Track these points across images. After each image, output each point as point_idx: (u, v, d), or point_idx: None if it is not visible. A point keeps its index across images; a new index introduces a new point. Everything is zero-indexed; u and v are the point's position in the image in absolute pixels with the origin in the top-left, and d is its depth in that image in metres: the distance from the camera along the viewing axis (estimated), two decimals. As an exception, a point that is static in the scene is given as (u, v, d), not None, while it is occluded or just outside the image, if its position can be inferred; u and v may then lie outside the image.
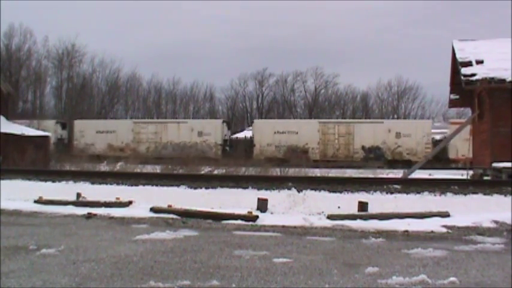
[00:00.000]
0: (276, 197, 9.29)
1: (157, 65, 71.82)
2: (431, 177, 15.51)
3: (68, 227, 6.91)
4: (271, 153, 32.14)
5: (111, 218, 7.91)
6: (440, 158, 32.52)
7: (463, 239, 6.32)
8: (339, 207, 8.72)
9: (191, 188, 10.80)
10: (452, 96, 19.71)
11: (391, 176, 17.65)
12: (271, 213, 8.48)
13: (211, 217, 7.81)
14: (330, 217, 7.82)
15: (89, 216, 8.02)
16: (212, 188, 10.66)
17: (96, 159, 25.03)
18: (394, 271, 4.29)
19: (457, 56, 16.95)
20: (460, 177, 15.67)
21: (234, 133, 40.69)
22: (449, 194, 9.74)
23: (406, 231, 6.74)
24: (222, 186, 10.72)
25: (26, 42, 56.38)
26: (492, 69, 15.58)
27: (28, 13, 66.75)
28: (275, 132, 34.31)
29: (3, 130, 21.98)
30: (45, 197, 9.56)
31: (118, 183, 11.56)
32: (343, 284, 3.90)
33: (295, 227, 7.04)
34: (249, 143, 35.23)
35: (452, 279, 4.00)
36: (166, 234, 6.23)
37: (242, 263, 4.61)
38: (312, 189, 10.03)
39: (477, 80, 15.40)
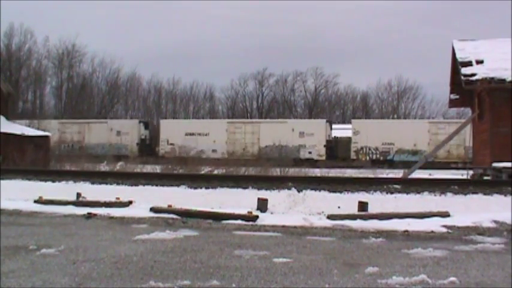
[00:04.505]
0: (276, 197, 9.29)
1: (157, 65, 71.96)
2: (431, 177, 15.52)
3: (68, 227, 6.90)
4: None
5: (111, 218, 7.91)
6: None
7: (463, 239, 6.31)
8: (339, 207, 8.72)
9: (191, 188, 10.82)
10: (452, 96, 19.71)
11: (391, 176, 17.66)
12: (271, 213, 8.47)
13: (211, 217, 7.80)
14: (330, 217, 7.81)
15: (89, 216, 8.02)
16: (212, 188, 10.67)
17: None
18: (394, 271, 4.28)
19: (457, 56, 16.95)
20: (460, 177, 15.68)
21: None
22: (449, 194, 9.75)
23: (406, 231, 6.74)
24: (222, 186, 10.73)
25: (26, 42, 56.52)
26: (492, 69, 15.58)
27: (28, 13, 66.96)
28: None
29: (3, 130, 21.98)
30: (45, 197, 9.54)
31: (118, 183, 11.58)
32: (343, 284, 3.89)
33: (295, 227, 7.03)
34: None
35: (452, 279, 4.00)
36: (166, 234, 6.22)
37: (242, 263, 4.60)
38: (312, 189, 10.04)
39: (477, 80, 15.40)
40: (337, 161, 32.41)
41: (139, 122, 39.24)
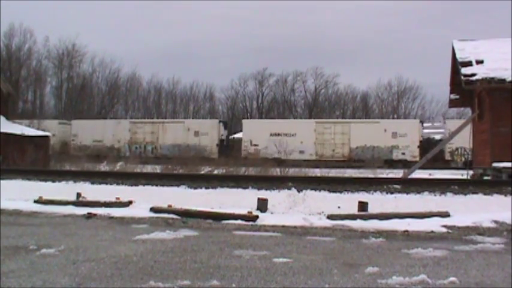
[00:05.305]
0: (276, 197, 9.29)
1: (157, 65, 71.83)
2: (431, 177, 15.52)
3: (68, 227, 6.91)
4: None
5: (111, 218, 7.91)
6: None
7: (463, 239, 6.32)
8: (339, 207, 8.72)
9: (191, 188, 10.82)
10: (452, 96, 19.71)
11: (391, 176, 17.65)
12: (271, 213, 8.47)
13: (211, 217, 7.81)
14: (330, 217, 7.81)
15: (89, 216, 8.02)
16: (212, 188, 10.67)
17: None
18: (394, 271, 4.29)
19: (457, 56, 16.94)
20: (460, 177, 15.68)
21: (235, 133, 40.60)
22: (449, 194, 9.75)
23: (406, 231, 6.74)
24: (222, 186, 10.73)
25: (26, 42, 56.36)
26: (492, 69, 15.57)
27: (28, 13, 66.81)
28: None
29: (3, 130, 21.98)
30: (45, 197, 9.55)
31: (118, 183, 11.58)
32: (343, 284, 3.90)
33: (295, 227, 7.04)
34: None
35: (452, 279, 4.00)
36: (166, 234, 6.23)
37: (242, 263, 4.61)
38: (312, 189, 10.04)
39: (477, 80, 15.40)
40: (432, 162, 31.83)
41: (219, 121, 38.02)
